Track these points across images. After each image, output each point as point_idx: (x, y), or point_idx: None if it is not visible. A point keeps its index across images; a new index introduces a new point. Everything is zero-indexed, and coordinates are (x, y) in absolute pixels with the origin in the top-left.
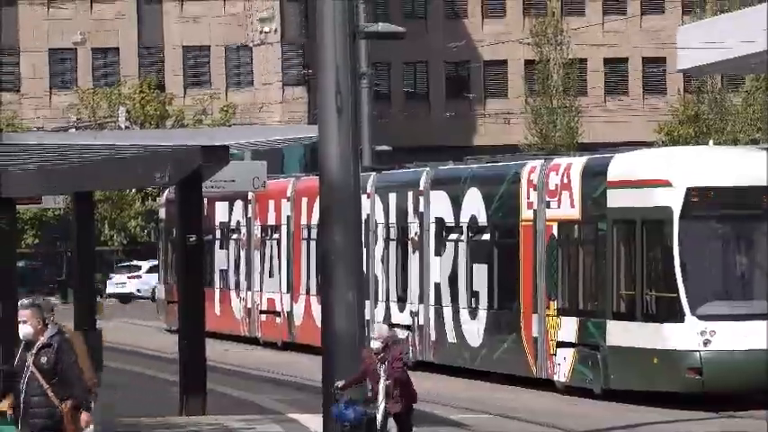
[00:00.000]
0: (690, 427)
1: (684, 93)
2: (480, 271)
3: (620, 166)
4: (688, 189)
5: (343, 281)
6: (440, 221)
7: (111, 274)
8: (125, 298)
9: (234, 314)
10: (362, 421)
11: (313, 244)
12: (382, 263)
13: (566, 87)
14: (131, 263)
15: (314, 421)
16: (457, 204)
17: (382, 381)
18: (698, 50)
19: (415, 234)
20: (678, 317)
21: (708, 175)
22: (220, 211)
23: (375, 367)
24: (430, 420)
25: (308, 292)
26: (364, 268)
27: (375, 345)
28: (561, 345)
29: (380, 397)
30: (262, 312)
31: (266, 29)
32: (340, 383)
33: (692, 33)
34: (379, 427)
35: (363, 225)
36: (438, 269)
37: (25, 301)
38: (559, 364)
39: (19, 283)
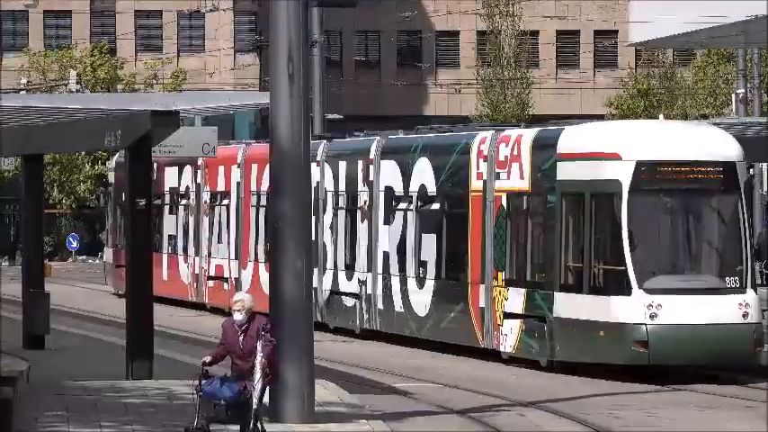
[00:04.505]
0: (634, 399)
1: (636, 67)
2: (429, 241)
3: (571, 138)
4: (637, 163)
5: (291, 248)
6: (389, 190)
7: None
8: None
9: (181, 279)
10: (238, 400)
11: (262, 211)
12: (331, 231)
13: (517, 59)
14: None
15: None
16: (407, 174)
17: (258, 357)
18: (649, 24)
19: (365, 203)
20: (625, 290)
21: (657, 149)
22: (170, 176)
23: (237, 339)
24: (376, 389)
25: (256, 259)
26: (313, 236)
27: (238, 317)
28: (508, 316)
29: (257, 375)
30: (209, 278)
31: None
32: (207, 359)
33: (645, 7)
34: (255, 405)
35: (313, 193)
36: (387, 238)
37: None
38: (506, 335)
39: None
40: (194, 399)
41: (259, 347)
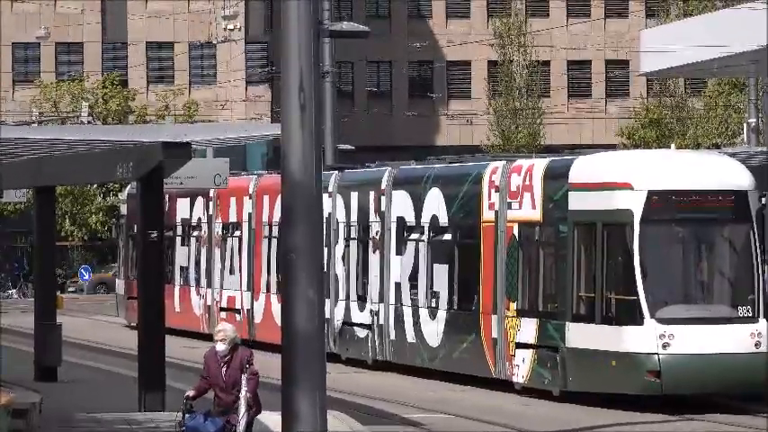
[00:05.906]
0: (647, 429)
1: (647, 96)
2: (441, 271)
3: (582, 168)
4: (649, 192)
5: (303, 279)
6: (401, 221)
7: None
8: None
9: (194, 311)
10: None
11: (274, 242)
12: (343, 262)
13: (529, 89)
14: None
15: (272, 418)
16: (418, 204)
17: (243, 391)
18: (661, 54)
19: (377, 233)
20: (637, 320)
21: (669, 178)
22: (182, 207)
23: (220, 371)
24: (388, 420)
25: (268, 290)
26: (325, 267)
27: (221, 347)
28: (520, 346)
29: (242, 409)
30: (222, 309)
31: (230, 26)
32: (191, 393)
33: (656, 37)
34: None
35: (325, 224)
36: (398, 269)
37: None
38: (518, 366)
39: None
40: None
41: (243, 381)
